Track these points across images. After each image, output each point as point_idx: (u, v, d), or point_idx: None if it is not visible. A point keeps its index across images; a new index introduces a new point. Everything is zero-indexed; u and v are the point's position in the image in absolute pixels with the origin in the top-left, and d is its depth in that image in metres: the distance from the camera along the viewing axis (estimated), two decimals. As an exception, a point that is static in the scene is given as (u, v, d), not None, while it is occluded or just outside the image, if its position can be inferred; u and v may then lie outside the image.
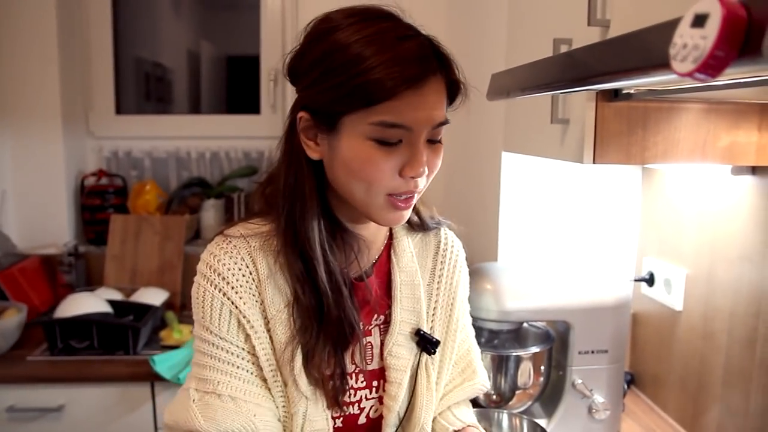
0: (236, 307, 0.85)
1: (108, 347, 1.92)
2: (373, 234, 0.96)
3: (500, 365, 1.35)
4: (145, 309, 2.05)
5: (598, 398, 1.36)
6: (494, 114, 1.70)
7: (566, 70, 0.70)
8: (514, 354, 1.36)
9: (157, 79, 2.84)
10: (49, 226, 2.40)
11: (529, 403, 1.41)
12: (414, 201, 0.86)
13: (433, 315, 1.01)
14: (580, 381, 1.37)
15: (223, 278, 0.85)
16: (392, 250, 0.98)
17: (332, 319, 0.87)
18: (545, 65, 0.80)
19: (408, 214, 0.87)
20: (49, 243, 2.38)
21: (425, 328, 0.98)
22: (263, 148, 2.59)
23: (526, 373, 1.36)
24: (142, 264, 2.35)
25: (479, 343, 1.44)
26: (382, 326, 0.97)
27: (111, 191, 2.46)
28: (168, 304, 2.22)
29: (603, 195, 1.72)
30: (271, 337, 0.88)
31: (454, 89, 0.85)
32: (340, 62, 0.78)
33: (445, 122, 0.83)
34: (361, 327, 0.93)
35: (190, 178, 2.59)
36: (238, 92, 2.81)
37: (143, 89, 2.79)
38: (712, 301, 1.39)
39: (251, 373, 0.88)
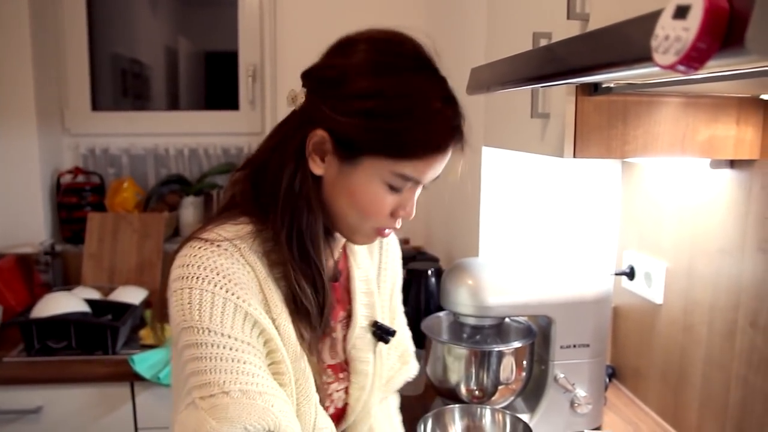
0: (243, 301, 0.82)
1: (86, 347, 1.89)
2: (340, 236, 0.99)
3: (482, 361, 1.35)
4: (123, 308, 2.03)
5: (581, 392, 1.36)
6: (474, 109, 1.69)
7: (547, 64, 0.69)
8: (496, 349, 1.36)
9: (134, 75, 2.80)
10: (24, 224, 2.36)
11: (512, 398, 1.41)
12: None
13: (382, 306, 1.07)
14: (562, 375, 1.37)
15: (225, 276, 0.81)
16: (348, 249, 1.03)
17: (319, 318, 0.90)
18: (525, 59, 0.79)
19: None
20: (25, 242, 2.34)
21: (379, 319, 1.04)
22: (242, 144, 2.56)
23: (508, 369, 1.36)
24: (121, 262, 2.32)
25: (461, 338, 1.44)
26: (343, 322, 1.01)
27: (88, 189, 2.43)
28: (147, 303, 2.19)
29: (583, 190, 1.72)
30: (280, 335, 0.86)
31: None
32: (384, 109, 0.80)
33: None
34: (331, 324, 0.97)
35: (168, 175, 2.56)
36: (217, 88, 2.78)
37: (120, 86, 2.75)
38: (692, 295, 1.40)
39: (260, 368, 0.83)
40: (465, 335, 1.43)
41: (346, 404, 1.02)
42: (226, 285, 0.81)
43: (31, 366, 1.82)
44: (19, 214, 2.35)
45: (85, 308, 1.98)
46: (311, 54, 0.88)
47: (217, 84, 2.78)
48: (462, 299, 1.35)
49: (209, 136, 2.56)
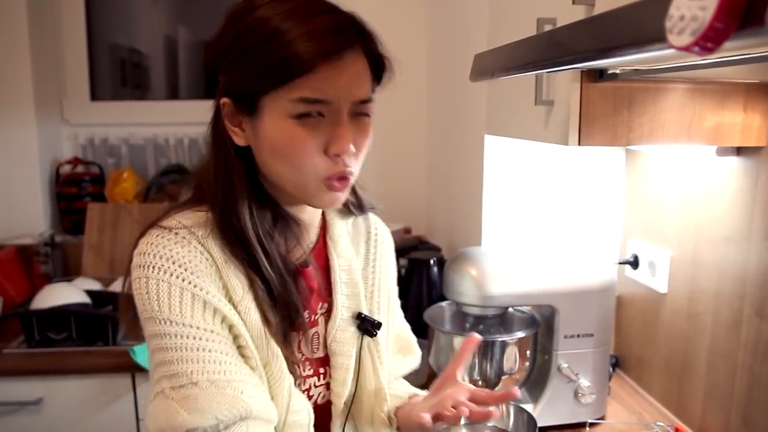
0: (200, 290, 0.80)
1: (87, 338, 1.88)
2: (309, 217, 0.94)
3: (486, 351, 1.34)
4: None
5: (584, 382, 1.35)
6: (477, 96, 1.68)
7: (553, 49, 0.68)
8: (500, 339, 1.35)
9: (133, 65, 2.78)
10: (24, 215, 2.34)
11: (515, 388, 1.40)
12: (350, 183, 0.85)
13: (371, 298, 1.02)
14: (566, 365, 1.36)
15: (180, 265, 0.80)
16: (328, 236, 0.98)
17: (281, 304, 0.86)
18: (531, 44, 0.77)
19: (344, 196, 0.87)
20: (24, 233, 2.33)
21: (365, 311, 0.99)
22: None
23: (511, 358, 1.35)
24: (121, 253, 2.30)
25: (464, 328, 1.43)
26: (326, 314, 0.97)
27: (87, 179, 2.42)
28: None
29: (586, 178, 1.71)
30: (243, 320, 0.84)
31: (378, 66, 0.84)
32: (255, 41, 0.78)
33: (368, 100, 0.83)
34: (306, 316, 0.92)
35: (168, 165, 2.55)
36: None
37: (119, 75, 2.73)
38: (697, 283, 1.39)
39: (226, 354, 0.81)
40: (468, 325, 1.42)
41: (328, 401, 0.98)
42: (182, 274, 0.80)
43: (32, 357, 1.81)
44: (19, 205, 2.34)
45: (85, 299, 1.97)
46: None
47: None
48: (465, 289, 1.33)
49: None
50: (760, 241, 1.20)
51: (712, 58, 0.39)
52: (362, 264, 1.03)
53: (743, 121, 1.13)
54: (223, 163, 0.84)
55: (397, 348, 1.12)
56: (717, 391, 1.34)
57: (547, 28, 1.05)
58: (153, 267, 0.79)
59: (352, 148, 0.81)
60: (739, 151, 1.24)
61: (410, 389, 1.13)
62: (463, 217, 1.80)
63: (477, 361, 1.35)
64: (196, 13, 2.84)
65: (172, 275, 0.79)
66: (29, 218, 2.35)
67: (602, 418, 1.43)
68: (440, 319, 1.47)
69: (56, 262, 2.29)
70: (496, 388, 1.37)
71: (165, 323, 0.79)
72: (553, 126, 1.13)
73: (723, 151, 1.25)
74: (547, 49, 0.72)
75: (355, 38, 0.80)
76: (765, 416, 1.21)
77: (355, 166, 0.84)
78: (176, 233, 0.82)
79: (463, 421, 1.30)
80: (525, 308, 1.47)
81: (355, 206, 1.00)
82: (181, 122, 2.54)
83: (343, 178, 0.83)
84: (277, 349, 0.86)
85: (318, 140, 0.80)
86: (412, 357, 1.16)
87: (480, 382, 1.36)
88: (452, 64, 1.95)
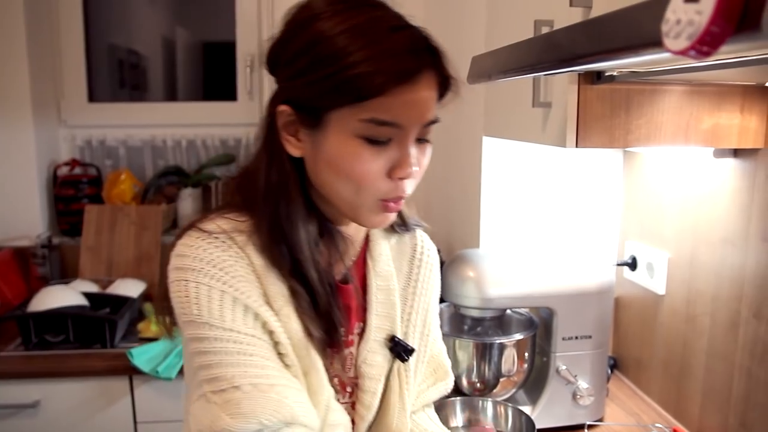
0: (241, 293, 0.78)
1: (84, 341, 1.88)
2: (354, 233, 0.91)
3: (484, 353, 1.34)
4: (122, 301, 2.02)
5: (582, 384, 1.35)
6: (475, 98, 1.67)
7: (551, 51, 0.68)
8: (498, 341, 1.35)
9: (131, 66, 2.78)
10: (21, 217, 2.34)
11: (514, 390, 1.40)
12: (402, 202, 0.82)
13: (407, 320, 0.97)
14: (564, 367, 1.36)
15: (221, 269, 0.78)
16: (368, 254, 0.94)
17: (323, 318, 0.84)
18: (528, 46, 0.77)
19: (394, 216, 0.84)
20: (21, 235, 2.32)
21: (399, 334, 0.94)
22: (240, 135, 2.54)
23: (510, 361, 1.35)
24: (119, 255, 2.30)
25: (462, 330, 1.43)
26: (360, 334, 0.93)
27: (85, 181, 2.41)
28: (146, 296, 2.18)
29: (584, 180, 1.70)
30: (284, 328, 0.81)
31: (444, 85, 0.80)
32: (327, 53, 0.73)
33: (435, 120, 0.79)
34: (343, 334, 0.88)
35: (166, 166, 2.54)
36: (215, 79, 2.76)
37: (117, 77, 2.73)
38: (695, 285, 1.39)
39: (268, 359, 0.78)
40: (466, 327, 1.42)
41: (352, 420, 0.93)
42: (222, 277, 0.77)
43: (29, 360, 1.81)
44: (16, 206, 2.33)
45: (82, 301, 1.96)
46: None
47: (215, 74, 2.76)
48: (463, 291, 1.33)
49: (207, 127, 2.53)
50: (757, 243, 1.20)
51: (708, 61, 0.39)
52: (403, 284, 0.98)
53: (740, 123, 1.13)
54: (277, 171, 0.81)
55: (431, 371, 1.06)
56: (715, 392, 1.34)
57: (545, 30, 1.05)
58: (192, 269, 0.77)
59: (416, 172, 0.79)
60: (737, 153, 1.24)
61: (434, 429, 1.06)
62: (462, 219, 1.80)
63: (475, 363, 1.35)
64: (195, 14, 2.84)
65: (212, 278, 0.77)
66: (26, 220, 2.34)
67: (600, 420, 1.43)
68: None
69: (53, 264, 2.29)
70: (494, 390, 1.37)
71: (205, 327, 0.76)
72: (550, 128, 1.12)
73: (720, 153, 1.25)
74: (544, 52, 0.72)
75: (431, 58, 0.76)
76: (763, 418, 1.21)
77: (410, 189, 0.81)
78: (216, 237, 0.80)
79: (461, 423, 1.30)
80: (523, 310, 1.46)
81: (399, 225, 0.96)
82: (179, 124, 2.53)
83: (398, 199, 0.80)
84: (317, 361, 0.83)
85: (382, 162, 0.76)
86: (444, 383, 1.08)
87: (478, 384, 1.36)
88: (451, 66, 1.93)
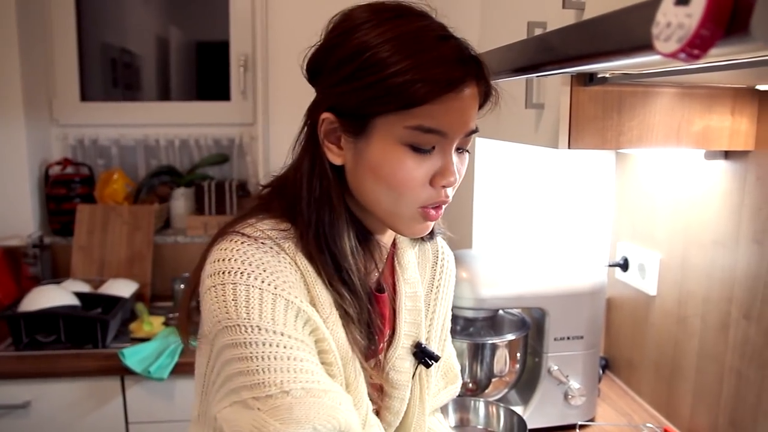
0: (295, 297, 0.76)
1: (76, 341, 1.87)
2: (387, 242, 0.91)
3: (476, 353, 1.34)
4: (114, 301, 2.01)
5: (574, 384, 1.36)
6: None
7: (543, 53, 0.68)
8: (490, 342, 1.35)
9: (124, 65, 2.77)
10: (12, 216, 2.33)
11: (506, 390, 1.41)
12: (442, 211, 0.82)
13: (429, 326, 0.98)
14: (555, 367, 1.37)
15: (271, 273, 0.75)
16: (397, 261, 0.94)
17: (364, 326, 0.84)
18: (521, 48, 0.77)
19: (432, 225, 0.84)
20: (12, 234, 2.31)
21: (422, 340, 0.95)
22: (234, 135, 2.54)
23: (502, 361, 1.36)
24: (111, 255, 2.29)
25: (455, 331, 1.43)
26: (388, 341, 0.92)
27: (77, 180, 2.40)
28: (138, 296, 2.17)
29: (577, 181, 1.71)
30: (332, 335, 0.80)
31: (484, 95, 0.81)
32: (374, 60, 0.73)
33: (476, 130, 0.80)
34: (377, 341, 0.88)
35: (159, 166, 2.54)
36: (208, 78, 2.75)
37: (110, 76, 2.72)
38: (686, 286, 1.40)
39: (317, 365, 0.76)
40: (459, 328, 1.42)
41: None
42: (274, 281, 0.75)
43: (20, 360, 1.80)
44: (7, 206, 2.32)
45: (74, 301, 1.95)
46: (304, 43, 0.85)
47: (209, 74, 2.75)
48: (456, 292, 1.32)
49: (200, 127, 2.53)
50: (747, 245, 1.21)
51: (699, 64, 0.40)
52: (426, 290, 0.99)
53: (731, 125, 1.14)
54: (319, 178, 0.80)
55: (441, 374, 1.07)
56: (705, 393, 1.34)
57: (538, 31, 1.05)
58: (242, 273, 0.75)
59: (458, 179, 0.79)
60: (727, 155, 1.25)
61: (447, 428, 1.09)
62: (455, 220, 1.80)
63: (467, 363, 1.35)
64: (188, 13, 2.83)
65: (263, 281, 0.75)
66: (17, 219, 2.33)
67: (592, 420, 1.44)
68: (431, 322, 1.47)
69: (45, 263, 2.28)
70: (486, 391, 1.37)
71: (253, 330, 0.73)
72: (543, 129, 1.13)
73: (711, 155, 1.26)
74: (537, 53, 0.72)
75: (475, 68, 0.76)
76: (752, 418, 1.22)
77: (451, 196, 0.81)
78: (263, 242, 0.78)
79: (454, 423, 1.30)
80: (515, 311, 1.47)
81: (426, 234, 0.94)
82: (172, 123, 2.52)
83: (438, 207, 0.80)
84: (360, 371, 0.82)
85: (425, 170, 0.76)
86: (455, 386, 1.10)
87: (471, 385, 1.37)
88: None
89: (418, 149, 0.75)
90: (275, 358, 0.72)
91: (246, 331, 0.73)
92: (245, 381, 0.73)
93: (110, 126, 2.51)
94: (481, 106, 0.81)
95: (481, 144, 1.63)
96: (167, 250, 2.38)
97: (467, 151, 0.82)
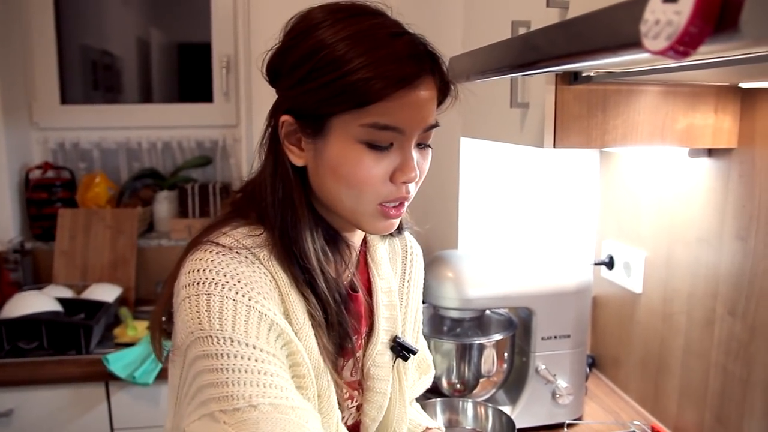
0: (268, 310, 0.75)
1: (59, 347, 1.84)
2: (357, 240, 0.91)
3: (463, 353, 1.34)
4: (97, 306, 1.98)
5: (562, 383, 1.36)
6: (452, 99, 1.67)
7: (529, 52, 0.68)
8: (477, 342, 1.35)
9: (105, 67, 2.73)
10: (-8, 222, 2.29)
11: (493, 390, 1.40)
12: (404, 208, 0.82)
13: (404, 319, 0.99)
14: (543, 367, 1.37)
15: (246, 284, 0.75)
16: (369, 258, 0.95)
17: (335, 330, 0.83)
18: (506, 47, 0.77)
19: (397, 222, 0.84)
20: (-8, 240, 2.28)
21: (399, 334, 0.96)
22: (217, 137, 2.51)
23: (489, 361, 1.36)
24: (93, 259, 2.27)
25: (442, 332, 1.43)
26: (365, 337, 0.93)
27: (58, 184, 2.37)
28: (122, 300, 2.15)
29: (562, 180, 1.71)
30: (305, 348, 0.80)
31: (443, 90, 0.81)
32: (328, 60, 0.73)
33: (435, 125, 0.80)
34: (355, 340, 0.88)
35: (141, 169, 2.51)
36: (190, 80, 2.73)
37: (90, 78, 2.69)
38: (671, 284, 1.40)
39: (287, 381, 0.75)
40: (446, 328, 1.42)
41: (356, 422, 0.94)
42: (249, 293, 0.74)
43: (1, 368, 1.77)
44: (-13, 211, 2.28)
45: (56, 307, 1.93)
46: (287, 44, 0.84)
47: (191, 76, 2.73)
48: (442, 292, 1.33)
49: (183, 129, 2.51)
50: (731, 241, 1.22)
51: (685, 61, 0.39)
52: (398, 284, 1.00)
53: (714, 123, 1.14)
54: (281, 182, 0.81)
55: (415, 365, 1.09)
56: (691, 389, 1.35)
57: (522, 30, 1.05)
58: (216, 284, 0.74)
59: (417, 175, 0.79)
60: (711, 152, 1.26)
61: (424, 421, 1.10)
62: (440, 220, 1.80)
63: (455, 364, 1.35)
64: (169, 14, 2.81)
65: (237, 293, 0.74)
66: (-2, 225, 2.29)
67: (580, 419, 1.44)
68: (418, 323, 1.47)
69: (26, 269, 2.25)
70: (474, 391, 1.37)
71: (225, 342, 0.72)
72: (528, 128, 1.13)
73: (695, 153, 1.27)
74: (522, 53, 0.72)
75: (430, 63, 0.77)
76: (738, 413, 1.22)
77: (413, 193, 0.81)
78: (238, 252, 0.77)
79: (442, 424, 1.30)
80: (502, 310, 1.47)
81: (395, 230, 0.95)
82: (154, 126, 2.50)
83: (399, 204, 0.80)
84: (331, 381, 0.82)
85: (384, 167, 0.76)
86: (428, 376, 1.12)
87: (458, 385, 1.36)
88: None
89: (375, 147, 0.75)
90: (245, 371, 0.72)
91: (218, 343, 0.72)
92: (214, 393, 0.72)
93: (91, 129, 2.48)
94: (441, 102, 0.82)
95: (466, 144, 1.63)
96: (151, 254, 2.35)
97: (429, 146, 0.82)
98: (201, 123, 2.51)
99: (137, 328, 1.96)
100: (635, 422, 1.44)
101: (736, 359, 1.22)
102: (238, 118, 2.49)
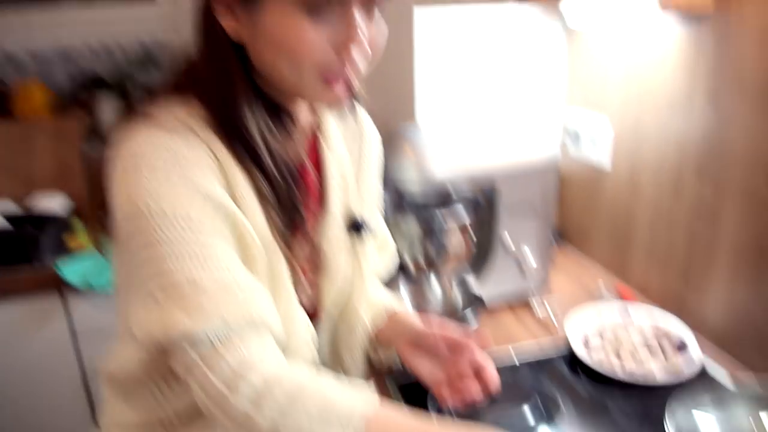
0: (203, 180, 0.71)
1: (8, 261, 1.76)
2: (304, 116, 0.88)
3: (428, 232, 1.30)
4: (47, 219, 1.89)
5: (528, 256, 1.34)
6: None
7: None
8: (442, 221, 1.30)
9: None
10: None
11: (460, 268, 1.38)
12: (353, 82, 0.76)
13: (361, 199, 0.98)
14: (509, 242, 1.34)
15: (183, 156, 0.71)
16: (320, 133, 0.91)
17: (284, 204, 0.80)
18: None
19: (345, 97, 0.77)
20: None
21: (355, 211, 0.95)
22: (161, 36, 2.35)
23: (455, 239, 1.32)
24: (38, 171, 2.15)
25: (404, 211, 1.38)
26: (316, 214, 0.91)
27: (-10, 95, 2.21)
28: (77, 213, 2.05)
29: (526, 55, 1.64)
30: (249, 220, 0.76)
31: None
32: None
33: None
34: (306, 217, 0.86)
35: (82, 74, 2.35)
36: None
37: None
38: (640, 154, 1.38)
39: (231, 255, 0.72)
40: (409, 209, 1.37)
41: (313, 303, 0.93)
42: (183, 163, 0.70)
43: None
44: None
45: (2, 222, 1.83)
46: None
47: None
48: (403, 170, 1.28)
49: (125, 31, 2.33)
50: (702, 106, 1.18)
51: None
52: (355, 166, 0.97)
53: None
54: (217, 56, 0.75)
55: (376, 246, 1.07)
56: (658, 253, 1.35)
57: None
58: (146, 156, 0.70)
59: (365, 42, 0.72)
60: (684, 15, 1.19)
61: (389, 302, 1.07)
62: (395, 92, 1.70)
63: (421, 244, 1.31)
64: None
65: (173, 165, 0.70)
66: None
67: (548, 290, 1.43)
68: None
69: (-33, 186, 2.12)
70: (441, 270, 1.34)
71: (157, 215, 0.68)
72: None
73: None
74: None
75: None
76: (701, 269, 1.23)
77: (361, 64, 0.75)
78: (172, 127, 0.73)
79: (409, 303, 1.27)
80: (467, 190, 1.42)
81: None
82: (93, 28, 2.32)
83: (344, 75, 0.74)
84: (282, 258, 0.80)
85: (324, 34, 0.70)
86: (388, 255, 1.12)
87: (424, 265, 1.33)
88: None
89: (312, 11, 0.69)
90: (183, 243, 0.68)
91: (151, 216, 0.68)
92: (155, 269, 0.68)
93: (22, 34, 2.29)
94: None
95: (420, 13, 1.53)
96: (99, 162, 2.22)
97: (379, 17, 0.75)
98: (144, 23, 2.33)
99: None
100: (600, 282, 1.45)
101: (704, 220, 1.21)
102: (183, 16, 2.32)
